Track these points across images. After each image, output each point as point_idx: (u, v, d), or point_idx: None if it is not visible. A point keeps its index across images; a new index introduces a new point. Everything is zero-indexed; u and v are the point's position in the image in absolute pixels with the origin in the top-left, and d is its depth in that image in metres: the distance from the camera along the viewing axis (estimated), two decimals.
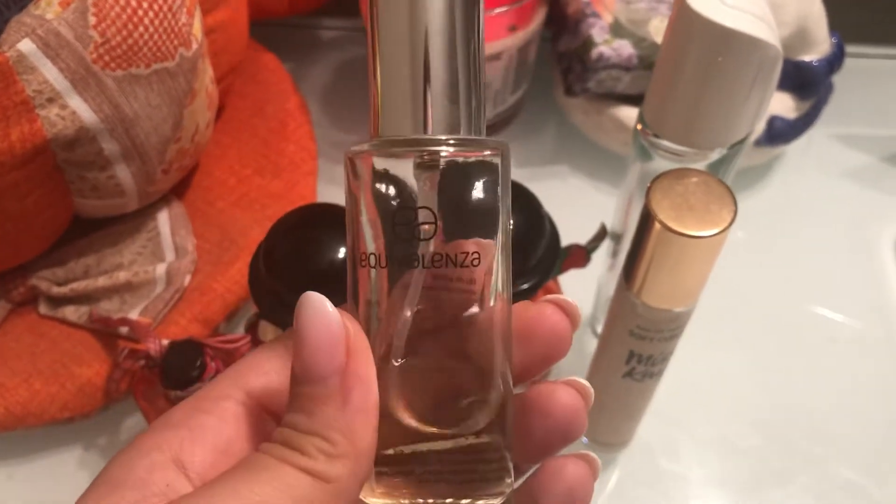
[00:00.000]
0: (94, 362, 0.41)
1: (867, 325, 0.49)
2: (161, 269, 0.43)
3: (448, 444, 0.20)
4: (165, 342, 0.37)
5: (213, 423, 0.20)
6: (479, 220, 0.20)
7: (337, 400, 0.18)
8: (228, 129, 0.51)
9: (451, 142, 0.19)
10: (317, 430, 0.18)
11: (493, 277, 0.20)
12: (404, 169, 0.19)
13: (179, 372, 0.36)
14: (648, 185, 0.28)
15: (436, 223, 0.20)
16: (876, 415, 0.45)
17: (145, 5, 0.36)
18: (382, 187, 0.20)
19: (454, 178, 0.20)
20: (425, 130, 0.19)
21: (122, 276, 0.43)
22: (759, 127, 0.49)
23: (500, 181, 0.20)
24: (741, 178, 0.53)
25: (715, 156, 0.33)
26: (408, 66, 0.19)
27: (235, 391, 0.20)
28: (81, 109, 0.36)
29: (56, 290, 0.42)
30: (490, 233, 0.20)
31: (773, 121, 0.50)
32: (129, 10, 0.35)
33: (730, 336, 0.48)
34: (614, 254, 0.42)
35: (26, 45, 0.33)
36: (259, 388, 0.21)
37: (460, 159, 0.20)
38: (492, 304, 0.21)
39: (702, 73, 0.30)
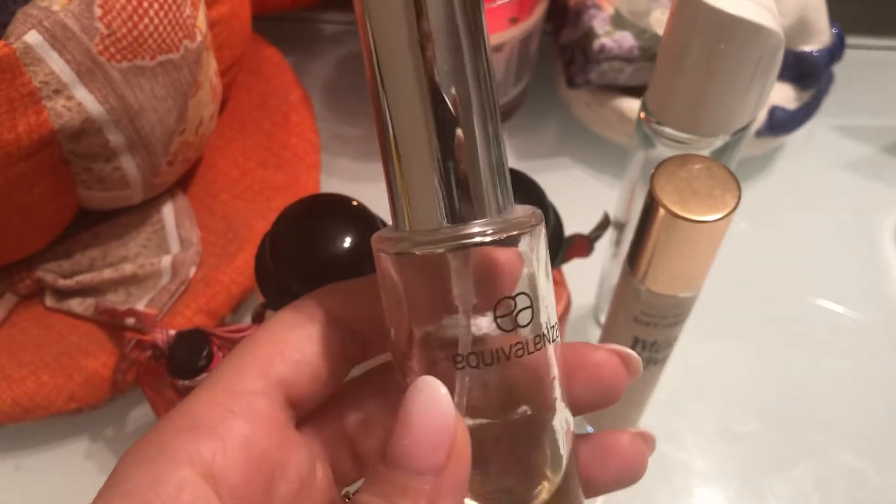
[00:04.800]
0: (101, 354, 0.41)
1: (868, 315, 0.49)
2: (166, 261, 0.43)
3: None
4: (172, 332, 0.37)
5: (245, 430, 0.19)
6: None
7: (424, 501, 0.17)
8: (232, 123, 0.51)
9: (489, 231, 0.18)
10: None
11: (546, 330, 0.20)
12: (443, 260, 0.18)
13: (186, 362, 0.37)
14: (652, 171, 0.29)
15: (532, 306, 0.19)
16: (876, 403, 0.45)
17: None
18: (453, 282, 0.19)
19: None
20: (458, 219, 0.18)
21: (127, 268, 0.43)
22: (761, 117, 0.50)
23: (542, 250, 0.19)
24: (742, 169, 0.53)
25: (718, 143, 0.33)
26: (428, 153, 0.18)
27: (265, 386, 0.19)
28: (87, 101, 0.36)
29: (62, 282, 0.42)
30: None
31: (774, 111, 0.50)
32: (134, 2, 0.36)
33: (731, 326, 0.48)
34: (617, 243, 0.42)
35: (33, 37, 0.34)
36: (284, 376, 0.20)
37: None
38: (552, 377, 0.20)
39: (704, 61, 0.30)
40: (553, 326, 0.20)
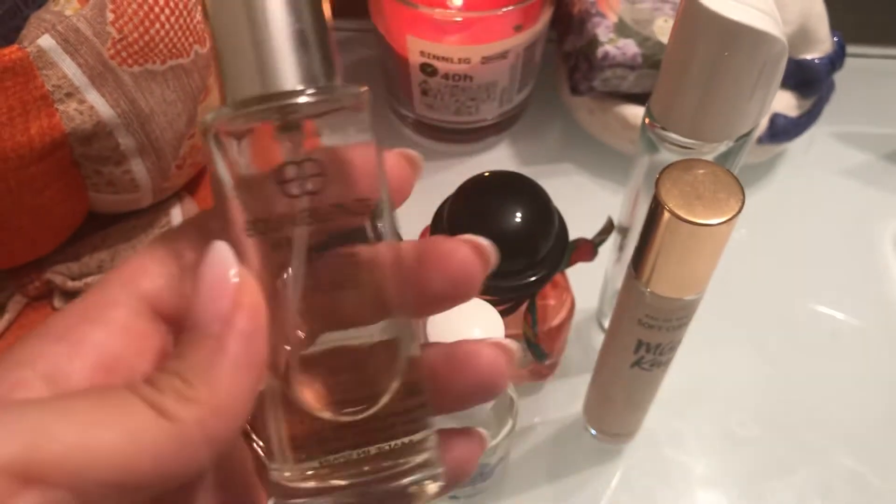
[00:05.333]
0: None
1: (868, 321, 0.49)
2: None
3: (371, 450, 0.20)
4: None
5: (99, 336, 0.19)
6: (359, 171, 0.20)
7: (210, 347, 0.18)
8: None
9: (309, 92, 0.18)
10: (179, 370, 0.17)
11: (382, 224, 0.20)
12: (266, 131, 0.19)
13: None
14: (657, 175, 0.29)
15: (324, 174, 0.19)
16: (877, 408, 0.46)
17: (161, 3, 0.37)
18: (251, 150, 0.19)
19: (321, 134, 0.19)
20: (277, 85, 0.18)
21: None
22: (762, 124, 0.50)
23: (368, 125, 0.20)
24: (743, 175, 0.53)
25: (721, 148, 0.34)
26: (245, 18, 0.18)
27: (126, 297, 0.19)
28: (99, 104, 0.36)
29: (71, 284, 0.43)
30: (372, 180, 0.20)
31: (775, 118, 0.50)
32: (145, 7, 0.36)
33: (733, 331, 0.49)
34: (621, 248, 0.43)
35: (46, 41, 0.34)
36: (150, 291, 0.19)
37: (322, 113, 0.19)
38: (382, 248, 0.20)
39: (709, 67, 0.31)
40: (377, 211, 0.20)
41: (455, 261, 0.21)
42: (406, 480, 0.20)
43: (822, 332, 0.49)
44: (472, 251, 0.21)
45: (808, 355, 0.48)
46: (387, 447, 0.20)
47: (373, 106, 0.20)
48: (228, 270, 0.18)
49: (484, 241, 0.21)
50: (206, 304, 0.18)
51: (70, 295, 0.43)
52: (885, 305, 0.50)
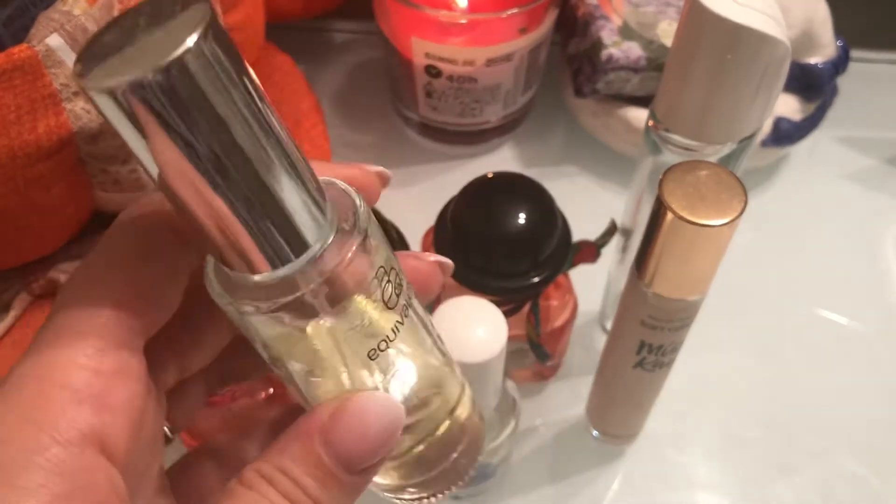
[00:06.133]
0: None
1: (871, 325, 0.49)
2: None
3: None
4: None
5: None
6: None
7: (353, 495, 0.19)
8: None
9: (328, 245, 0.18)
10: None
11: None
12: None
13: None
14: (661, 176, 0.29)
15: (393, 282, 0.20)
16: (878, 411, 0.46)
17: None
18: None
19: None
20: (302, 251, 0.18)
21: None
22: (766, 128, 0.50)
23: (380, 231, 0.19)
24: (747, 179, 0.53)
25: (724, 150, 0.34)
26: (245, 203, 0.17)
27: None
28: None
29: None
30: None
31: (778, 122, 0.51)
32: None
33: (735, 334, 0.49)
34: (624, 250, 0.43)
35: (54, 40, 0.34)
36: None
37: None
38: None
39: (712, 69, 0.31)
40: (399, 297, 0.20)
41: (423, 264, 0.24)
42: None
43: (824, 335, 0.49)
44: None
45: (810, 357, 0.48)
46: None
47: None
48: (397, 428, 0.19)
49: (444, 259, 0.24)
50: (366, 454, 0.19)
51: None
52: (888, 309, 0.50)
